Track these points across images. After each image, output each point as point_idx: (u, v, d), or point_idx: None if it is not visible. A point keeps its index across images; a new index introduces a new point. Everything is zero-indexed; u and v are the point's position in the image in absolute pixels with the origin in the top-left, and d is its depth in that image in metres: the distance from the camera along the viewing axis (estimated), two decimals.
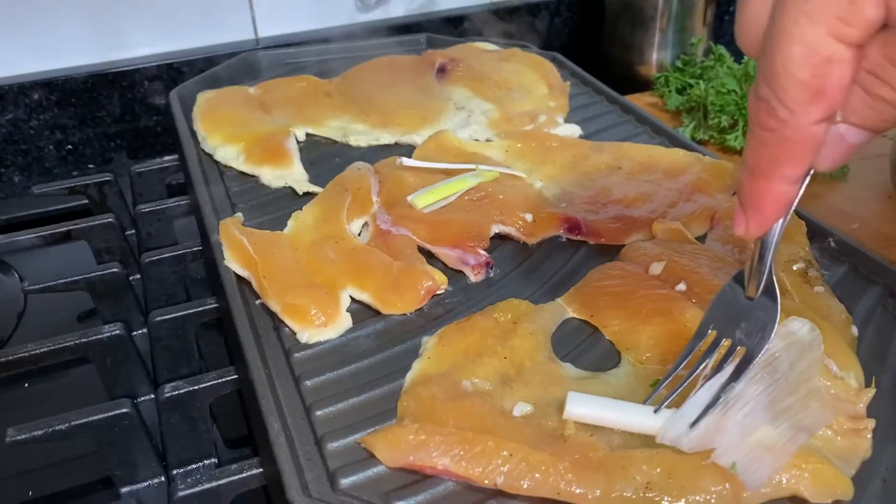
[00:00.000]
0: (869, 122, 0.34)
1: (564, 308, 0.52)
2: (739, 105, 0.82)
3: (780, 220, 0.38)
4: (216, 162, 0.69)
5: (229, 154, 0.68)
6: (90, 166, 0.95)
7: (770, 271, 0.40)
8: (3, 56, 0.89)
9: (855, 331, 0.50)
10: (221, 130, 0.71)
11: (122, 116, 0.94)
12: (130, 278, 0.65)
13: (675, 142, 0.73)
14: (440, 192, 0.62)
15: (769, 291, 0.40)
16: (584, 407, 0.42)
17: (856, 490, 0.40)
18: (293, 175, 0.66)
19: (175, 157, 0.94)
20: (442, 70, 0.83)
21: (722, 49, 0.95)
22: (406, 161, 0.65)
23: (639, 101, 0.96)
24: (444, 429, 0.41)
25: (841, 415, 0.43)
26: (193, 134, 0.72)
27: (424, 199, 0.60)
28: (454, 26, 1.02)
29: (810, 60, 0.31)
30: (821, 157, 0.35)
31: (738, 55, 1.00)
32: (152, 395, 0.57)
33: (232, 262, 0.55)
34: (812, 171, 0.36)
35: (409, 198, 0.60)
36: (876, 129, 0.35)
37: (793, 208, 0.38)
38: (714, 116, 0.83)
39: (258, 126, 0.72)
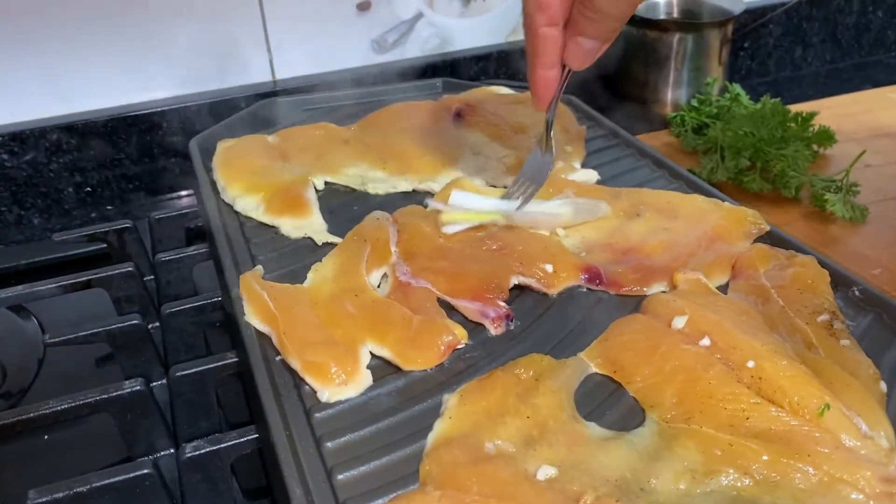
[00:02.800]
0: (591, 34, 0.53)
1: (587, 363, 0.52)
2: (757, 147, 0.82)
3: (554, 98, 0.59)
4: (236, 212, 0.69)
5: (249, 204, 0.69)
6: (108, 208, 0.96)
7: (549, 135, 0.64)
8: (24, 100, 0.90)
9: (884, 386, 0.49)
10: (241, 180, 0.71)
11: (141, 158, 0.95)
12: (150, 326, 0.65)
13: (693, 186, 0.73)
14: (470, 216, 0.64)
15: (550, 147, 0.64)
16: (462, 200, 0.63)
17: None
18: (312, 225, 0.67)
19: (191, 193, 0.96)
20: (458, 115, 0.83)
21: (738, 88, 0.96)
22: (435, 204, 0.66)
23: (655, 139, 0.96)
24: (467, 496, 0.41)
25: (873, 477, 0.42)
26: (213, 184, 0.73)
27: (452, 217, 0.64)
28: (469, 67, 1.03)
29: None
30: (568, 57, 0.55)
31: (754, 94, 1.00)
32: (172, 450, 0.57)
33: (253, 318, 0.55)
34: (569, 69, 0.57)
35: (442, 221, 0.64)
36: (599, 39, 0.54)
37: (560, 91, 0.58)
38: (731, 158, 0.82)
39: (277, 176, 0.72)
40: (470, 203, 0.64)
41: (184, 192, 0.97)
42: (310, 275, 0.60)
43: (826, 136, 0.88)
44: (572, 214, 0.65)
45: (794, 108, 0.92)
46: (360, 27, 1.00)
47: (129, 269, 0.68)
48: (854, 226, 0.77)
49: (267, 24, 0.96)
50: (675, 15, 1.06)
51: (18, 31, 0.86)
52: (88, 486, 0.47)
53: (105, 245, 0.77)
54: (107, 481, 0.47)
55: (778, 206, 0.80)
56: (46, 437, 0.60)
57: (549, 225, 0.65)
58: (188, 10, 0.92)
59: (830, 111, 0.99)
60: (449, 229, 0.64)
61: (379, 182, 0.74)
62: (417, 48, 1.03)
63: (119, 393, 0.54)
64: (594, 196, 0.69)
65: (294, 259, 0.63)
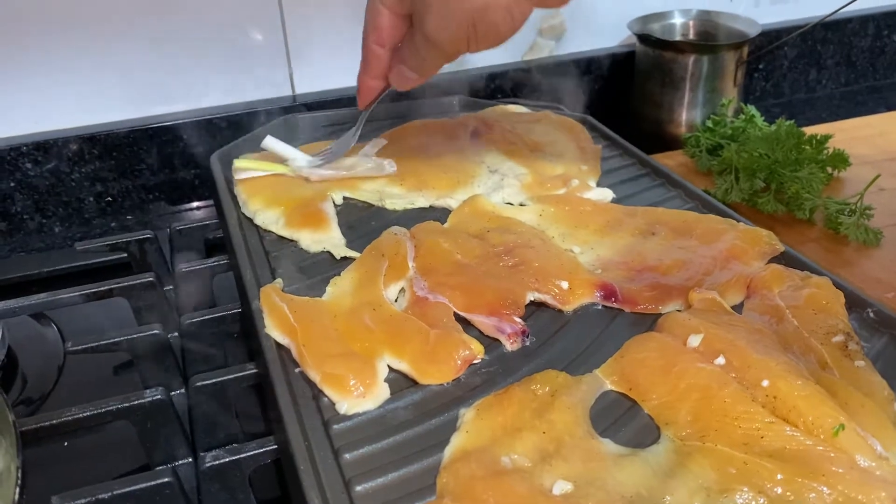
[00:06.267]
0: (411, 65, 0.63)
1: (602, 380, 0.52)
2: (771, 169, 0.83)
3: (373, 101, 0.71)
4: (256, 225, 0.70)
5: (269, 218, 0.70)
6: (128, 217, 0.97)
7: (360, 125, 0.76)
8: (47, 110, 0.92)
9: None
10: (262, 194, 0.72)
11: (161, 169, 0.97)
12: (169, 336, 0.66)
13: (707, 206, 0.73)
14: (261, 166, 0.74)
15: (357, 133, 0.76)
16: (274, 144, 0.74)
17: None
18: (331, 240, 0.68)
19: (209, 204, 0.97)
20: (475, 133, 0.84)
21: (752, 109, 0.96)
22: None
23: (669, 159, 0.97)
24: None
25: (888, 498, 0.42)
26: (234, 197, 0.74)
27: (245, 164, 0.74)
28: (486, 86, 1.04)
29: (371, 10, 0.63)
30: (391, 78, 0.66)
31: (768, 115, 1.01)
32: (190, 459, 0.58)
33: (272, 330, 0.56)
34: (390, 86, 0.68)
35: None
36: (417, 72, 0.63)
37: (380, 96, 0.70)
38: (746, 180, 0.83)
39: (297, 190, 0.73)
40: (279, 149, 0.75)
41: (202, 203, 0.99)
42: (329, 288, 0.61)
43: (840, 159, 0.88)
44: (355, 169, 0.76)
45: (809, 130, 0.92)
46: None
47: (150, 279, 0.69)
48: (868, 249, 0.77)
49: (288, 39, 0.97)
50: (691, 36, 1.07)
51: (42, 42, 0.88)
52: (110, 493, 0.48)
53: (126, 255, 0.78)
54: (128, 489, 0.48)
55: (791, 228, 0.81)
56: (67, 443, 0.61)
57: (333, 177, 0.75)
58: (209, 24, 0.93)
59: (844, 134, 1.00)
60: (239, 175, 0.74)
61: (396, 198, 0.75)
62: None
63: (140, 401, 0.55)
64: (610, 214, 0.70)
65: (313, 272, 0.64)
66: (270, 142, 0.75)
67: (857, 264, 0.75)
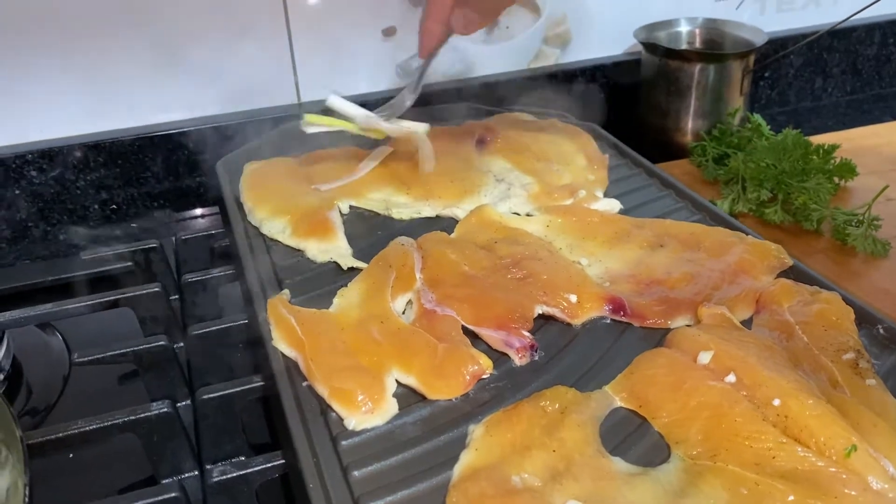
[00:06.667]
0: (473, 7, 0.66)
1: (612, 397, 0.52)
2: (778, 179, 0.82)
3: (434, 48, 0.71)
4: (262, 235, 0.70)
5: (276, 227, 0.70)
6: (132, 225, 0.97)
7: (420, 78, 0.76)
8: (53, 119, 0.92)
9: None
10: (268, 203, 0.72)
11: (166, 177, 0.97)
12: (175, 346, 0.66)
13: (715, 218, 0.73)
14: (330, 122, 0.75)
15: (418, 89, 0.77)
16: (338, 103, 0.76)
17: None
18: (338, 249, 0.67)
19: (214, 211, 0.97)
20: (481, 141, 0.84)
21: (759, 118, 0.96)
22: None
23: (676, 168, 0.97)
24: None
25: None
26: (240, 206, 0.74)
27: (315, 119, 0.75)
28: (492, 93, 1.04)
29: None
30: (456, 22, 0.67)
31: (774, 123, 1.01)
32: (196, 472, 0.58)
33: (280, 343, 0.55)
34: (452, 32, 0.69)
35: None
36: (479, 13, 0.66)
37: (441, 44, 0.71)
38: (753, 190, 0.83)
39: (303, 199, 0.73)
40: (343, 106, 0.76)
41: (207, 211, 0.98)
42: (336, 300, 0.61)
43: (848, 169, 0.88)
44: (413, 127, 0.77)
45: (815, 138, 0.92)
46: (385, 52, 1.01)
47: (157, 289, 0.69)
48: (876, 260, 0.77)
49: (294, 47, 0.97)
50: (698, 45, 1.06)
51: (48, 50, 0.88)
52: None
53: (131, 263, 0.78)
54: (136, 503, 0.48)
55: (799, 239, 0.81)
56: (72, 455, 0.61)
57: (394, 133, 0.77)
58: (216, 32, 0.93)
59: (851, 143, 0.99)
60: (309, 129, 0.75)
61: (403, 207, 0.75)
62: (441, 73, 1.04)
63: (147, 414, 0.55)
64: (618, 226, 0.70)
65: (319, 283, 0.64)
66: (335, 100, 0.76)
67: (865, 276, 0.75)
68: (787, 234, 0.81)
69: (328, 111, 0.77)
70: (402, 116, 0.77)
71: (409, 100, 0.77)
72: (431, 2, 0.67)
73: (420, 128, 0.77)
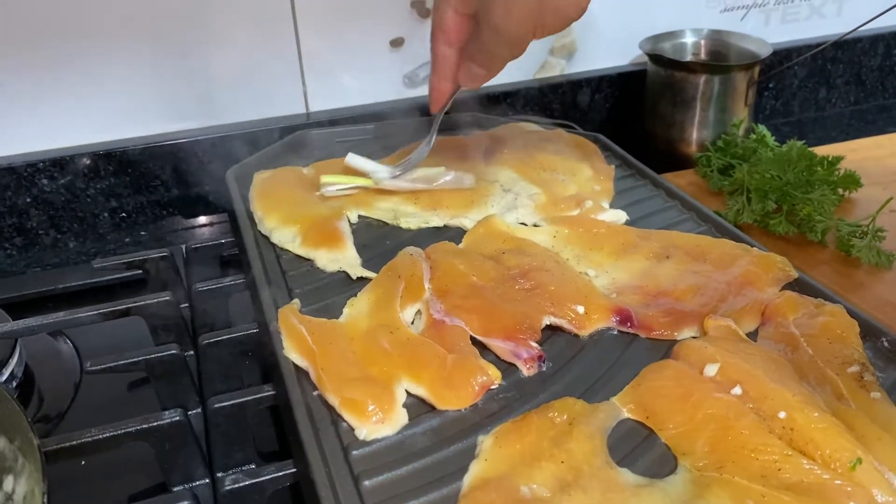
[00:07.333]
0: (480, 62, 0.65)
1: (619, 409, 0.53)
2: (783, 190, 0.83)
3: (445, 104, 0.72)
4: (272, 244, 0.71)
5: (285, 237, 0.70)
6: (142, 233, 0.98)
7: (434, 130, 0.77)
8: (64, 127, 0.93)
9: None
10: (278, 212, 0.73)
11: (176, 185, 0.97)
12: (186, 354, 0.67)
13: (720, 229, 0.74)
14: (347, 179, 0.77)
15: (431, 141, 0.78)
16: (357, 161, 0.78)
17: None
18: (347, 259, 0.68)
19: (223, 220, 0.98)
20: (488, 151, 0.85)
21: (763, 129, 0.97)
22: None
23: (681, 178, 0.97)
24: None
25: None
26: (250, 215, 0.75)
27: (331, 179, 0.77)
28: (498, 103, 1.05)
29: (437, 12, 0.65)
30: (461, 77, 0.68)
31: (778, 134, 1.01)
32: (207, 480, 0.58)
33: (291, 352, 0.56)
34: (460, 86, 0.70)
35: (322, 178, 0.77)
36: (485, 69, 0.66)
37: (451, 97, 0.71)
38: (758, 201, 0.83)
39: (313, 208, 0.74)
40: (361, 164, 0.78)
41: (216, 219, 0.99)
42: (346, 309, 0.61)
43: (852, 181, 0.88)
44: (436, 181, 0.78)
45: (819, 149, 0.93)
46: (393, 62, 1.02)
47: (167, 297, 0.70)
48: (880, 272, 0.77)
49: (302, 57, 0.98)
50: (703, 56, 1.07)
51: (59, 59, 0.89)
52: None
53: (141, 272, 0.79)
54: None
55: (803, 250, 0.81)
56: (84, 462, 0.62)
57: (413, 188, 0.78)
58: (225, 42, 0.94)
59: (855, 154, 1.00)
60: (327, 190, 0.77)
61: (411, 217, 0.76)
62: None
63: (159, 423, 0.55)
64: (624, 237, 0.71)
65: (329, 292, 0.65)
66: (352, 158, 0.78)
67: (869, 287, 0.76)
68: (791, 245, 0.82)
69: (347, 170, 0.79)
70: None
71: (424, 153, 0.78)
72: (437, 60, 0.68)
73: (466, 181, 0.79)
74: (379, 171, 0.78)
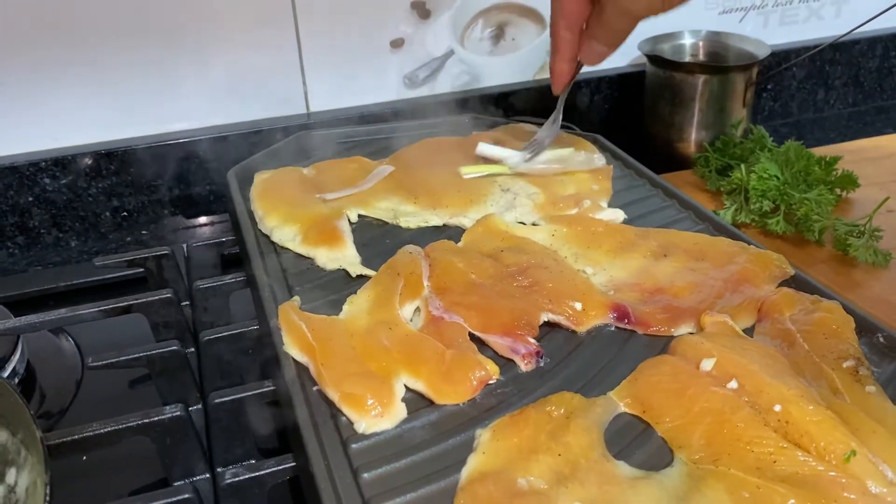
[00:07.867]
0: (602, 40, 0.66)
1: (616, 403, 0.53)
2: (781, 190, 0.83)
3: (567, 84, 0.73)
4: (273, 242, 0.71)
5: (286, 235, 0.71)
6: (143, 232, 0.98)
7: (559, 110, 0.80)
8: (66, 127, 0.93)
9: None
10: (278, 211, 0.73)
11: (177, 185, 0.98)
12: (186, 351, 0.67)
13: (718, 228, 0.74)
14: (485, 168, 0.80)
15: (558, 120, 0.81)
16: (486, 149, 0.82)
17: None
18: (347, 258, 0.69)
19: (224, 219, 0.98)
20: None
21: (762, 130, 0.97)
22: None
23: (679, 178, 0.98)
24: None
25: None
26: (251, 214, 0.75)
27: (471, 169, 0.80)
28: (498, 104, 1.05)
29: None
30: (582, 56, 0.69)
31: (776, 135, 1.02)
32: (207, 475, 0.59)
33: (291, 348, 0.57)
34: (582, 64, 0.71)
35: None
36: (608, 45, 0.67)
37: (573, 78, 0.73)
38: (756, 201, 0.84)
39: (313, 207, 0.74)
40: (493, 152, 0.82)
41: (217, 218, 1.00)
42: (346, 307, 0.62)
43: (849, 181, 0.89)
44: (568, 163, 0.82)
45: (817, 150, 0.93)
46: (393, 63, 1.02)
47: (168, 295, 0.70)
48: (877, 271, 0.78)
49: (303, 57, 0.99)
50: (701, 57, 1.08)
51: (61, 59, 0.89)
52: None
53: (142, 270, 0.79)
54: None
55: (801, 249, 0.82)
56: (85, 457, 0.62)
57: (550, 171, 0.81)
58: (227, 42, 0.95)
59: (853, 155, 1.01)
60: (468, 176, 0.80)
61: (410, 216, 0.76)
62: (448, 84, 1.06)
63: (160, 418, 0.56)
64: (622, 235, 0.71)
65: (329, 290, 0.65)
66: (483, 147, 0.82)
67: (866, 286, 0.76)
68: (789, 245, 0.82)
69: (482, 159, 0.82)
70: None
71: (554, 133, 0.81)
72: (559, 44, 0.69)
73: (595, 160, 0.83)
74: (512, 156, 0.81)
